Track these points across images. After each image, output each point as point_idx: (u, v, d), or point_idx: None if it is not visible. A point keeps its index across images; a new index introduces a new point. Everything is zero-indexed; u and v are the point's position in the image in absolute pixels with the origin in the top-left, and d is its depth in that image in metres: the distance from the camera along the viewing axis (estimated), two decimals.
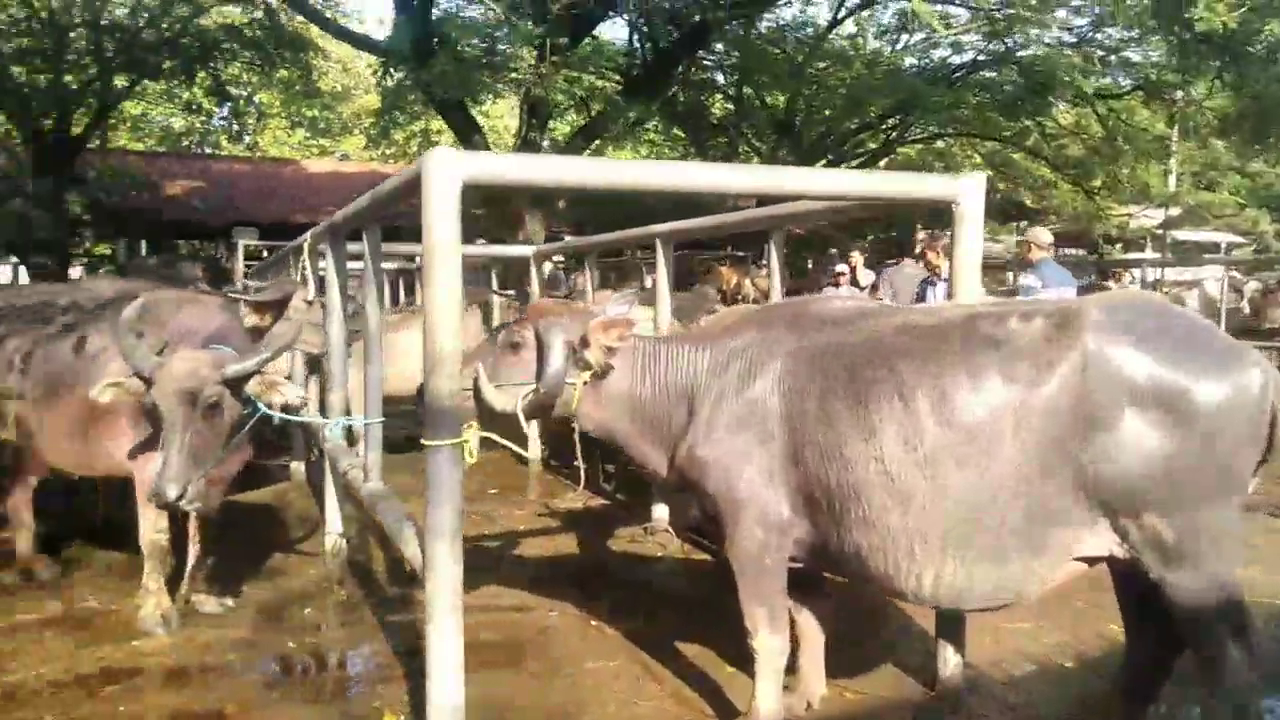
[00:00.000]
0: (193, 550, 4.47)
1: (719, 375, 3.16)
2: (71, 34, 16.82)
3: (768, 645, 3.11)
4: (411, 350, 4.22)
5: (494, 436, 3.00)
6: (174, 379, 3.55)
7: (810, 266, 19.05)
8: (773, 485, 3.01)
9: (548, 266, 16.37)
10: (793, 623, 3.32)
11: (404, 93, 18.02)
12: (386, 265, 10.60)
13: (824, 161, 19.62)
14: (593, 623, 4.32)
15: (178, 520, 4.36)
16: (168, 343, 3.87)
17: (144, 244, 22.38)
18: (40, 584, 4.78)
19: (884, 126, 19.83)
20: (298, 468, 6.98)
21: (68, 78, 17.23)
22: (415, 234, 2.62)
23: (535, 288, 7.15)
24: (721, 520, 3.11)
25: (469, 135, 16.15)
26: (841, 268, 11.12)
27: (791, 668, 3.37)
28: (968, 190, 3.44)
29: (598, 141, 17.63)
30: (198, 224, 21.58)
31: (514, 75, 14.77)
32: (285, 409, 3.74)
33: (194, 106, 24.11)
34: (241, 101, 25.05)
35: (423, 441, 2.77)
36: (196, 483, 3.56)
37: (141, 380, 3.58)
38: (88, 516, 5.70)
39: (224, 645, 4.08)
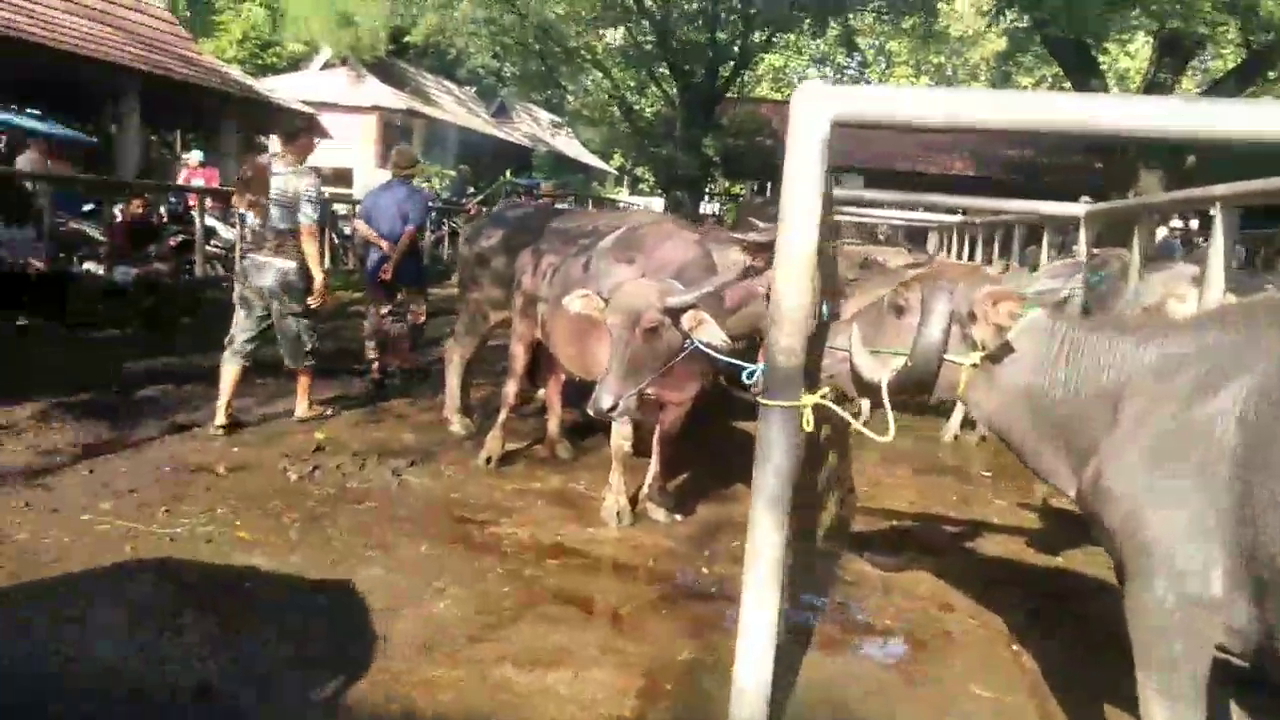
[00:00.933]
0: (654, 463, 4.95)
1: (1160, 380, 2.39)
2: None
3: None
4: None
5: (833, 406, 2.71)
6: (620, 302, 3.90)
7: None
8: (1203, 544, 2.20)
9: (1162, 231, 14.01)
10: None
11: (1028, 35, 16.84)
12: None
13: None
14: (1013, 646, 3.71)
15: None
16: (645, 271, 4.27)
17: (768, 185, 24.85)
18: (558, 462, 5.75)
19: None
20: None
21: (720, 35, 19.72)
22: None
23: (1081, 249, 6.15)
24: (1124, 570, 2.39)
25: (1085, 79, 14.42)
26: None
27: None
28: None
29: (1256, 85, 14.35)
30: None
31: (1152, 5, 12.72)
32: (712, 346, 3.86)
33: (826, 59, 25.65)
34: (870, 52, 25.91)
35: (760, 399, 2.63)
36: (628, 398, 3.89)
37: (601, 300, 4.02)
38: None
39: (651, 551, 4.46)
